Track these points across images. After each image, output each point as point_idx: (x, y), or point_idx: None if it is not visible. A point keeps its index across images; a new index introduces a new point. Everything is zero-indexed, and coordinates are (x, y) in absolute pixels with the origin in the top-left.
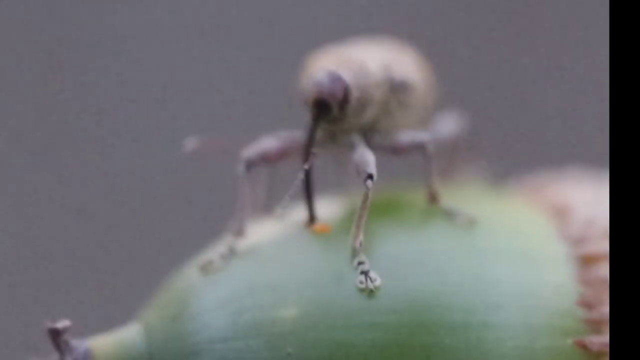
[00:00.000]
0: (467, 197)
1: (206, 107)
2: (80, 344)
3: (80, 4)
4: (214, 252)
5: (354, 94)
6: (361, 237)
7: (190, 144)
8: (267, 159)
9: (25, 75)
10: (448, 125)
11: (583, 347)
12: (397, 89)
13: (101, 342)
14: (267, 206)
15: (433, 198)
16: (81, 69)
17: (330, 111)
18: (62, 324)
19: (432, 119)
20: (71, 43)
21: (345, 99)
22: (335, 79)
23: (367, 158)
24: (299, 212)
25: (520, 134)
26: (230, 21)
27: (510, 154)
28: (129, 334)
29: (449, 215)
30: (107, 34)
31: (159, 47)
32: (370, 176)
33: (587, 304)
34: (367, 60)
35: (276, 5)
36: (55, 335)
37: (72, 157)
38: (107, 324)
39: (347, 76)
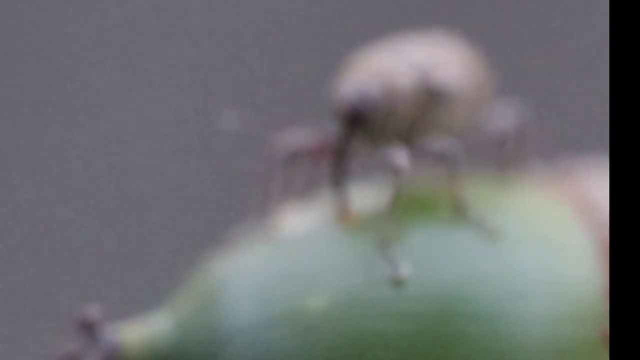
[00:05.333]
0: (493, 188)
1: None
2: (111, 331)
3: None
4: (242, 236)
5: (383, 109)
6: (391, 228)
7: (227, 117)
8: (303, 155)
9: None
10: (503, 118)
11: (607, 336)
12: (432, 97)
13: (131, 330)
14: (298, 197)
15: (459, 207)
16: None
17: (359, 126)
18: (92, 311)
19: (488, 112)
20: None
21: (373, 114)
22: (363, 95)
23: (397, 153)
24: (329, 202)
25: (547, 122)
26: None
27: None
28: (159, 321)
29: (475, 225)
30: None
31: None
32: (399, 170)
33: None
34: (401, 69)
35: None
36: (86, 321)
37: (105, 139)
38: (138, 313)
39: (376, 92)
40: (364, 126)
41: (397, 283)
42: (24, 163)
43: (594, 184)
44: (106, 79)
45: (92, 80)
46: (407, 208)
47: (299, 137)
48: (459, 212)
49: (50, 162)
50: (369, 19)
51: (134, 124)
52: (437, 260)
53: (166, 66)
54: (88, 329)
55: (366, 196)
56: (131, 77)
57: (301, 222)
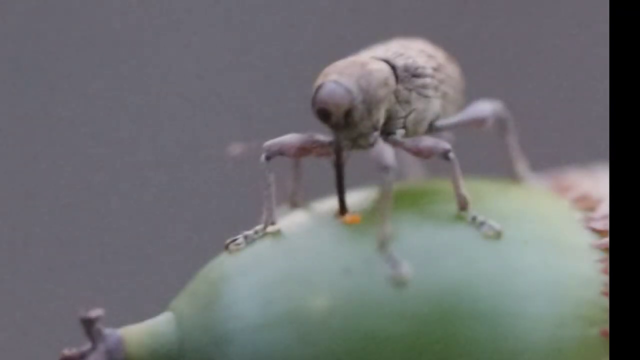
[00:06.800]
0: (495, 189)
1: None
2: (113, 333)
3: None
4: (241, 234)
5: (359, 99)
6: (389, 228)
7: (235, 149)
8: (286, 152)
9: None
10: (479, 110)
11: (608, 336)
12: (402, 77)
13: (133, 331)
14: (294, 199)
15: (462, 204)
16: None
17: (339, 119)
18: (95, 312)
19: (465, 107)
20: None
21: (350, 106)
22: (337, 89)
23: (384, 151)
24: (329, 203)
25: (546, 127)
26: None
27: (537, 146)
28: (161, 323)
29: (475, 224)
30: (116, 31)
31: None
32: (386, 168)
33: None
34: (370, 61)
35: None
36: (88, 324)
37: (107, 145)
38: (140, 314)
39: (349, 83)
40: (348, 118)
41: (399, 283)
42: (23, 165)
43: (595, 186)
44: (108, 85)
45: (95, 89)
46: (408, 208)
47: (292, 140)
48: (461, 213)
49: (51, 166)
50: (365, 32)
51: (134, 126)
52: (439, 261)
53: (169, 75)
54: (91, 330)
55: (366, 196)
56: (132, 90)
57: (302, 222)
